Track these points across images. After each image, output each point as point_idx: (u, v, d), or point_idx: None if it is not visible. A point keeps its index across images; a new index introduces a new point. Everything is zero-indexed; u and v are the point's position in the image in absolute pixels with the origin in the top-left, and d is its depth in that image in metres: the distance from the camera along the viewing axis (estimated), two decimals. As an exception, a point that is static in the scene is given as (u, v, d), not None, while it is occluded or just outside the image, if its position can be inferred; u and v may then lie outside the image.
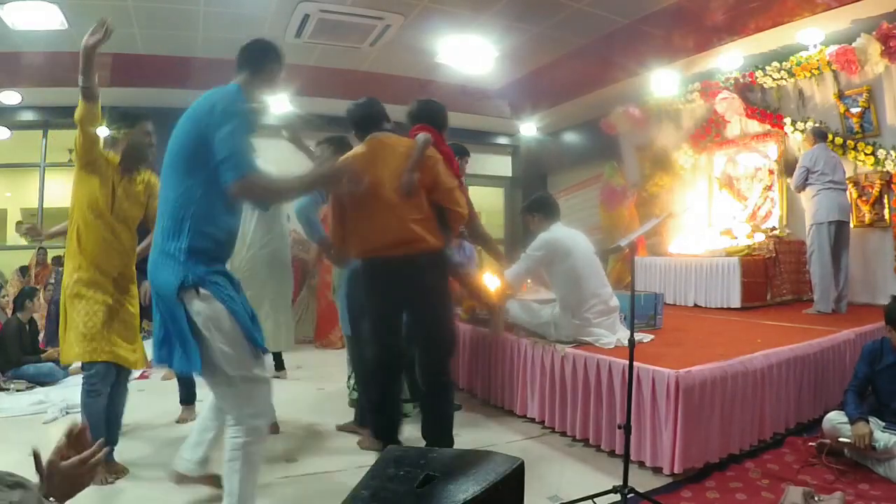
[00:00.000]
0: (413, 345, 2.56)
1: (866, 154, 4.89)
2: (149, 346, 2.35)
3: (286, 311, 3.20)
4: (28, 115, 7.06)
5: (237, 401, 1.76)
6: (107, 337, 2.39)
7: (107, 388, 2.40)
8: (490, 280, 3.27)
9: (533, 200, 3.29)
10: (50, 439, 1.25)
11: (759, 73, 5.64)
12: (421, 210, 2.31)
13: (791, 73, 5.37)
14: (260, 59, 1.89)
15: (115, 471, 2.44)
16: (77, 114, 2.27)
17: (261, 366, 1.79)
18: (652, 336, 3.32)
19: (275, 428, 3.00)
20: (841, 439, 2.50)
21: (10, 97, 6.52)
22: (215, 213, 1.74)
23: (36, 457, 1.13)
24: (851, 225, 4.69)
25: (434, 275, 2.38)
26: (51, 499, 1.05)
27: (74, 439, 1.16)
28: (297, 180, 1.90)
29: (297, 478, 2.44)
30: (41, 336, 5.05)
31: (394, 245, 2.28)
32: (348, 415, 3.18)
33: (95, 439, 2.37)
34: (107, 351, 2.38)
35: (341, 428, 3.11)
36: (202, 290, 1.69)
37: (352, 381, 3.19)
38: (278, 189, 1.90)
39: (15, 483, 0.94)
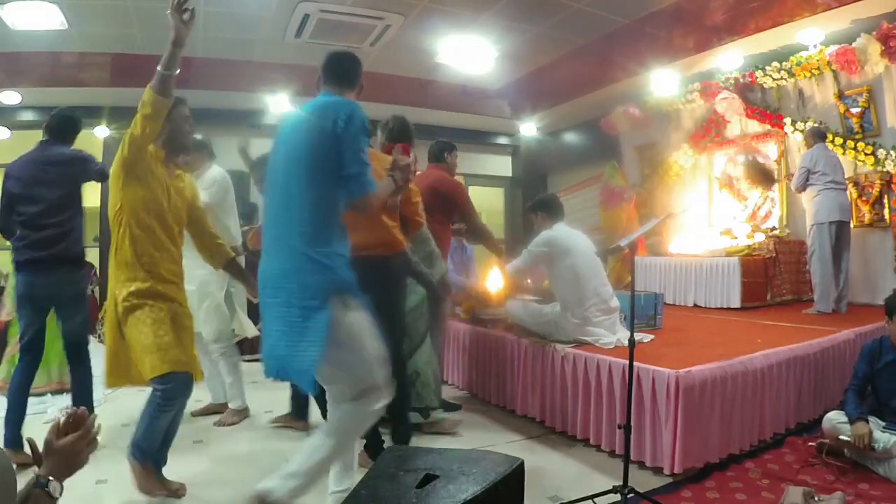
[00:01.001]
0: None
1: (866, 154, 4.89)
2: None
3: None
4: (28, 115, 7.03)
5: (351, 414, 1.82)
6: (181, 345, 2.16)
7: (184, 401, 2.17)
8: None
9: (537, 200, 3.36)
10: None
11: (759, 73, 5.63)
12: (396, 219, 2.57)
13: (791, 73, 5.37)
14: (357, 77, 2.03)
15: (173, 489, 2.23)
16: (145, 107, 2.01)
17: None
18: (652, 336, 3.32)
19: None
20: (841, 437, 2.51)
21: (10, 97, 6.50)
22: (342, 219, 1.84)
23: (31, 446, 1.14)
24: (852, 225, 4.68)
25: (401, 273, 2.59)
26: (50, 478, 1.07)
27: (73, 423, 1.16)
28: (391, 181, 1.94)
29: (297, 478, 2.44)
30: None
31: (374, 246, 2.44)
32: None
33: (152, 459, 2.18)
34: (184, 361, 2.14)
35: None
36: (349, 299, 1.75)
37: None
38: (383, 195, 1.95)
39: None
